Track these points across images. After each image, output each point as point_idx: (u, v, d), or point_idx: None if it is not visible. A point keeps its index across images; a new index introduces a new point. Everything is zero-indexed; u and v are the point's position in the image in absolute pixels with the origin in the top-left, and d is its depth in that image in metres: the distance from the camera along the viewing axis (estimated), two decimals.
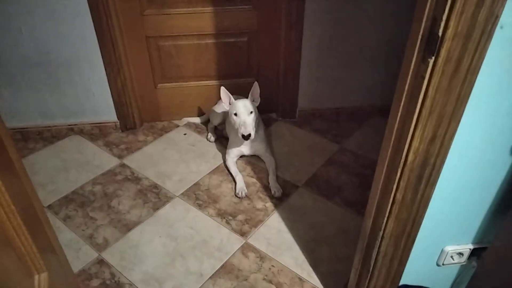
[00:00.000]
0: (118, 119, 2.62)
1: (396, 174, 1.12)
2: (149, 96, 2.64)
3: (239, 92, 2.37)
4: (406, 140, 1.06)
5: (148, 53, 2.48)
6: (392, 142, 1.12)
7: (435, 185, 1.13)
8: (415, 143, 1.04)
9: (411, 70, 1.00)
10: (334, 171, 2.32)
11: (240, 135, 2.10)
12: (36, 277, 0.99)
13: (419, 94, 0.99)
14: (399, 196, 1.15)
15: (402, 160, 1.09)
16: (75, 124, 2.61)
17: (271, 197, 2.14)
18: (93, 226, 1.99)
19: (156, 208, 2.08)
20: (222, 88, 2.18)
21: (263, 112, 2.65)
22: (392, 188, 1.15)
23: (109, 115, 2.61)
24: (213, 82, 2.64)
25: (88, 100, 2.53)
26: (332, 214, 2.04)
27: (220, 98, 2.30)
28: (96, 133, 2.63)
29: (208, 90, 2.66)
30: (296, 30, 2.39)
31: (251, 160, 2.40)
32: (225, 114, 2.48)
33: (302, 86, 2.63)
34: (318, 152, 2.47)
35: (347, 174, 2.30)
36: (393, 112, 1.11)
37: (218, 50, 2.51)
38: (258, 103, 2.23)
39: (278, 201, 2.12)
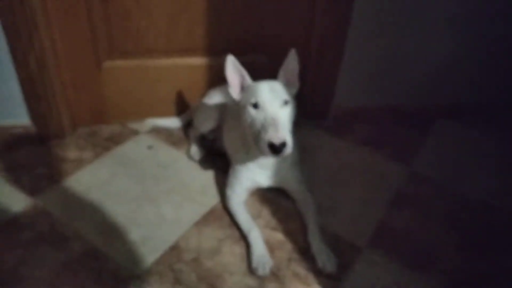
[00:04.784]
0: (33, 122, 1.52)
1: None
2: (88, 82, 1.55)
3: None
4: None
5: (86, 8, 1.40)
6: None
7: None
8: None
9: None
10: (413, 217, 1.35)
11: (265, 146, 1.07)
12: None
13: None
14: None
15: None
16: None
17: (318, 273, 1.14)
18: None
19: None
20: (230, 57, 1.16)
21: None
22: None
23: (16, 115, 1.51)
24: (200, 61, 1.59)
25: None
26: None
27: (218, 84, 1.29)
28: None
29: (192, 73, 1.61)
30: None
31: (267, 195, 1.40)
32: (222, 112, 1.46)
33: (343, 71, 1.64)
34: (377, 179, 1.50)
35: (436, 222, 1.34)
36: None
37: (211, 6, 1.47)
38: (296, 90, 1.22)
39: (332, 282, 1.12)
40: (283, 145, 1.05)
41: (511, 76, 1.81)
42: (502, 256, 1.24)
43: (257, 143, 1.11)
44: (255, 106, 1.12)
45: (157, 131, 1.67)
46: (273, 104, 1.11)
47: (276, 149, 1.05)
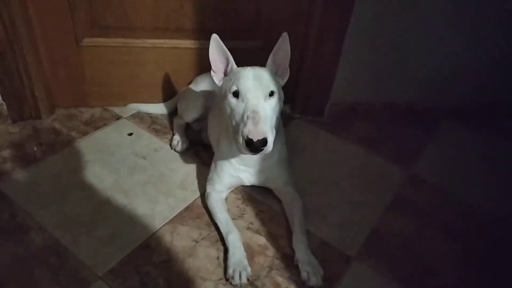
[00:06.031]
0: (4, 100, 1.41)
1: None
2: (66, 59, 1.43)
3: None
4: None
5: None
6: None
7: None
8: None
9: None
10: (410, 225, 1.24)
11: (240, 141, 0.95)
12: None
13: None
14: None
15: None
16: None
17: (301, 285, 1.03)
18: None
19: None
20: (215, 36, 1.03)
21: None
22: None
23: None
24: (189, 43, 1.47)
25: None
26: None
27: (205, 71, 1.17)
28: None
29: (180, 56, 1.49)
30: None
31: (252, 194, 1.28)
32: (209, 101, 1.34)
33: (342, 64, 1.52)
34: (372, 182, 1.38)
35: (435, 231, 1.22)
36: None
37: None
38: (285, 80, 1.09)
39: None
40: (262, 142, 0.92)
41: None
42: (508, 272, 1.12)
43: (234, 137, 0.98)
44: (236, 94, 0.99)
45: (140, 117, 1.55)
46: (256, 95, 0.97)
47: (253, 146, 0.92)
